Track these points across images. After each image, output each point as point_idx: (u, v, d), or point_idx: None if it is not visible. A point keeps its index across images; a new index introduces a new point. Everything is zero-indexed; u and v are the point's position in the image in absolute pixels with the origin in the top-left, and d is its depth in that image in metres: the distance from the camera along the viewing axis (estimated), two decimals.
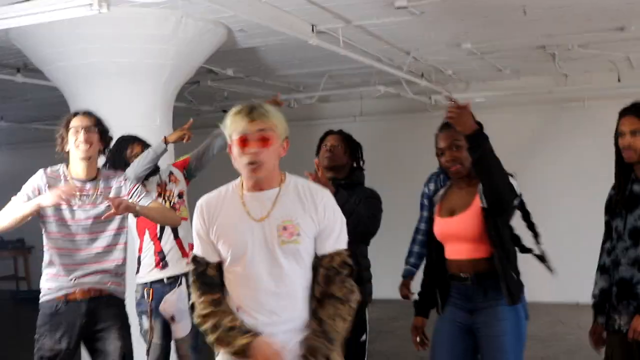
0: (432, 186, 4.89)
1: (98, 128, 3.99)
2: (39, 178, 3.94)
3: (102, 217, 3.84)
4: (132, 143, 4.90)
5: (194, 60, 6.21)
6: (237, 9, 5.03)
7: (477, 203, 3.43)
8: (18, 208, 3.82)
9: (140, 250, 4.91)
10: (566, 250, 9.28)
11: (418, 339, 3.81)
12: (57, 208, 3.87)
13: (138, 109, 5.83)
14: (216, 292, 2.55)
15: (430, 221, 3.83)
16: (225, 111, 9.19)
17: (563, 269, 9.71)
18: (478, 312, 3.52)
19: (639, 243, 3.40)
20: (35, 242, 12.42)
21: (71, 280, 3.90)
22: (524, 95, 9.49)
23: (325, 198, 2.61)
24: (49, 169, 4.00)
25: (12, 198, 3.89)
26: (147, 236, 4.88)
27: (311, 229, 2.54)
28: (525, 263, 3.70)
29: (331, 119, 10.61)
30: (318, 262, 2.57)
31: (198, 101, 9.56)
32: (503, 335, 3.48)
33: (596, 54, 7.79)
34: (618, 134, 3.48)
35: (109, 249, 4.03)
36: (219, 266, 2.58)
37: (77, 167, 3.97)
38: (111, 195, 3.96)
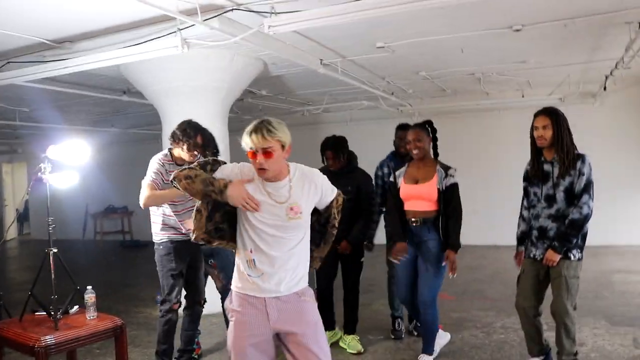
0: (385, 169, 4.87)
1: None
2: (157, 162, 3.85)
3: None
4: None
5: (241, 84, 6.23)
6: (271, 49, 5.08)
7: (435, 181, 3.85)
8: (164, 193, 3.74)
9: None
10: (490, 208, 9.42)
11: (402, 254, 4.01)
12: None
13: (205, 117, 5.75)
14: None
15: (389, 189, 4.16)
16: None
17: (486, 220, 9.77)
18: (422, 243, 3.92)
19: (552, 205, 3.55)
20: (135, 208, 12.63)
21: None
22: (460, 106, 9.51)
23: (319, 176, 2.55)
24: (161, 155, 3.93)
25: (143, 182, 3.78)
26: None
27: (313, 203, 2.52)
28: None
29: (331, 123, 10.69)
30: (329, 206, 2.58)
31: (242, 112, 9.58)
32: (433, 255, 3.88)
33: (508, 78, 7.83)
34: (533, 128, 3.60)
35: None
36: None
37: (182, 155, 3.90)
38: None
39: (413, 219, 3.92)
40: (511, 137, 8.49)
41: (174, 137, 3.89)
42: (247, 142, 2.36)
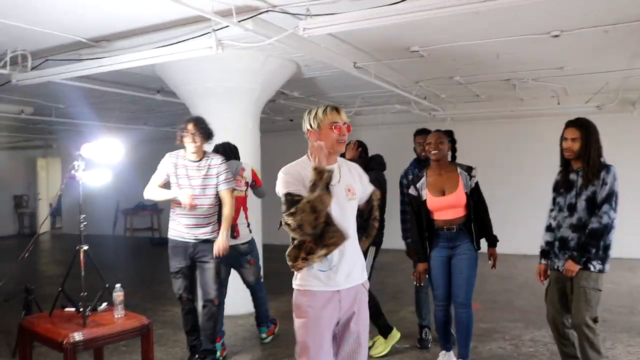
0: (410, 176, 4.67)
1: (201, 130, 4.08)
2: (166, 159, 4.17)
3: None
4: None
5: (274, 86, 6.23)
6: (304, 51, 5.07)
7: (461, 188, 3.87)
8: (162, 192, 4.18)
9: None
10: (521, 217, 9.24)
11: (423, 277, 4.08)
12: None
13: (237, 118, 5.88)
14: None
15: (411, 203, 4.09)
16: (291, 120, 9.22)
17: (517, 229, 9.57)
18: (456, 247, 3.91)
19: (573, 214, 3.48)
20: (164, 205, 12.76)
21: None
22: (493, 113, 9.37)
23: (360, 169, 2.78)
24: (173, 152, 4.21)
25: (152, 176, 4.17)
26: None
27: (359, 191, 2.67)
28: None
29: (362, 126, 10.63)
30: (370, 199, 2.79)
31: (274, 113, 9.61)
32: (468, 258, 3.89)
33: (543, 85, 7.67)
34: (563, 138, 3.55)
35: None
36: None
37: (190, 151, 4.13)
38: (209, 170, 4.13)
39: (447, 227, 3.90)
40: (545, 144, 8.24)
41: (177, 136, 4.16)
42: (329, 117, 2.54)
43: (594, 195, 3.39)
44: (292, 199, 2.41)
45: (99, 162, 3.52)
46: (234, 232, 4.59)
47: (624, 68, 6.63)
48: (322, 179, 2.39)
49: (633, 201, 8.33)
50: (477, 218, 3.90)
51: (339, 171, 2.59)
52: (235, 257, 4.67)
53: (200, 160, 4.15)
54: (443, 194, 3.89)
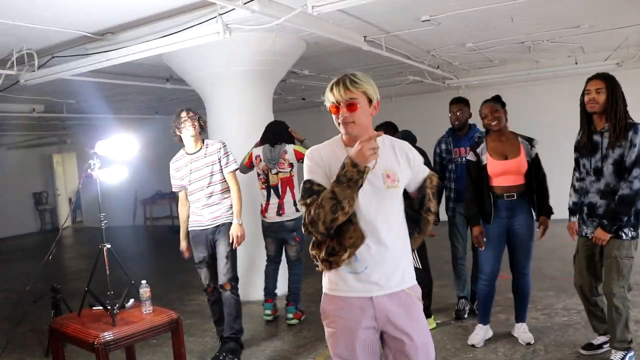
0: (443, 146, 4.80)
1: (195, 117, 4.13)
2: (171, 168, 4.29)
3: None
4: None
5: (284, 66, 6.12)
6: (313, 29, 4.94)
7: (523, 154, 3.83)
8: (182, 225, 4.40)
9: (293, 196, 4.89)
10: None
11: (481, 239, 3.96)
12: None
13: (249, 101, 5.80)
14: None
15: (469, 168, 4.02)
16: (303, 99, 9.15)
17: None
18: (515, 217, 3.86)
19: (600, 179, 3.35)
20: None
21: None
22: (508, 77, 9.16)
23: (411, 148, 2.25)
24: (173, 158, 4.32)
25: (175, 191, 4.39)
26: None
27: (406, 176, 2.19)
28: None
29: None
30: (422, 186, 2.24)
31: (285, 93, 9.52)
32: (528, 228, 3.90)
33: (559, 45, 7.46)
34: (584, 93, 3.36)
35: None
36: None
37: (188, 143, 4.20)
38: (210, 157, 4.16)
39: (507, 194, 3.83)
40: (564, 106, 8.10)
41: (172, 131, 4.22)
42: (328, 97, 2.12)
43: (621, 158, 3.23)
44: (310, 187, 2.09)
45: (114, 158, 3.47)
46: (279, 210, 4.83)
47: None
48: (354, 177, 1.97)
49: None
50: (538, 187, 3.87)
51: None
52: (282, 233, 4.92)
53: (200, 149, 4.18)
54: (506, 158, 3.83)
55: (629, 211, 3.22)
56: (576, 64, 8.39)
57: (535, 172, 3.86)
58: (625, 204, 3.20)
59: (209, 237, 4.18)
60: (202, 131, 4.21)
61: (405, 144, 2.26)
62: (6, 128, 10.88)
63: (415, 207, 2.27)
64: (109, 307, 3.34)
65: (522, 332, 4.09)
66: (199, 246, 4.23)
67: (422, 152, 4.46)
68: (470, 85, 9.57)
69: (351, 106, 2.07)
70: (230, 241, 4.13)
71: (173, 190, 4.36)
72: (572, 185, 3.64)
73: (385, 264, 2.11)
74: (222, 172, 4.17)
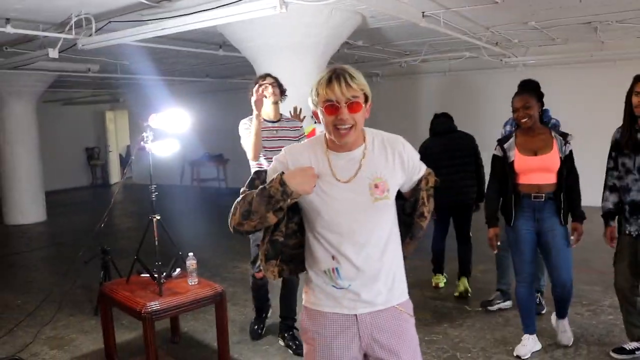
0: (508, 127, 4.55)
1: (279, 84, 3.88)
2: (244, 124, 3.74)
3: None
4: None
5: (339, 38, 6.03)
6: (370, 3, 4.86)
7: (556, 150, 3.47)
8: (251, 133, 3.60)
9: None
10: (599, 167, 8.83)
11: (495, 242, 3.77)
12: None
13: (301, 72, 5.71)
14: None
15: (495, 164, 3.72)
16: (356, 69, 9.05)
17: (594, 180, 9.20)
18: (543, 220, 3.53)
19: None
20: (230, 156, 12.99)
21: None
22: (571, 57, 8.81)
23: (405, 145, 1.93)
24: (246, 119, 3.76)
25: (242, 142, 3.72)
26: None
27: (399, 181, 1.92)
28: None
29: (429, 74, 10.33)
30: (417, 188, 1.97)
31: (337, 62, 9.41)
32: (561, 234, 3.56)
33: (629, 26, 7.10)
34: (632, 93, 3.25)
35: None
36: None
37: (268, 110, 3.79)
38: (290, 132, 3.87)
39: (536, 194, 3.49)
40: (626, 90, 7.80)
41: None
42: (322, 94, 1.78)
43: None
44: (253, 181, 1.93)
45: (167, 132, 3.54)
46: None
47: None
48: (276, 197, 1.78)
49: None
50: (568, 188, 3.51)
51: (360, 160, 1.87)
52: None
53: (278, 121, 3.89)
54: (535, 154, 3.50)
55: None
56: None
57: (567, 172, 3.50)
58: None
59: None
60: (283, 99, 3.93)
61: (399, 140, 1.95)
62: (62, 84, 11.18)
63: (407, 210, 2.01)
64: (156, 277, 3.46)
65: (561, 330, 3.89)
66: None
67: (467, 136, 4.47)
68: (528, 64, 9.25)
69: (354, 106, 1.79)
70: None
71: (244, 139, 3.70)
72: (608, 187, 3.50)
73: (372, 280, 1.88)
74: None
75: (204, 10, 4.66)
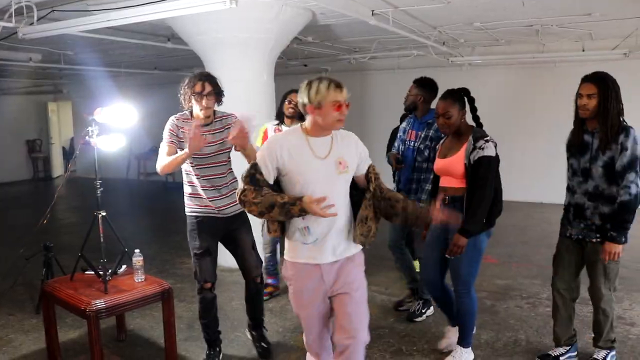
0: (404, 124, 4.42)
1: (216, 90, 3.38)
2: (170, 121, 3.41)
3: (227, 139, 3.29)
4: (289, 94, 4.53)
5: (289, 34, 6.01)
6: (320, 0, 4.87)
7: (462, 154, 3.31)
8: (173, 158, 3.28)
9: None
10: (538, 164, 9.15)
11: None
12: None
13: (251, 69, 5.70)
14: (260, 189, 2.45)
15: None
16: (305, 65, 9.03)
17: (534, 176, 9.63)
18: (449, 225, 3.24)
19: (587, 180, 3.24)
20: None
21: None
22: (513, 58, 9.09)
23: (358, 139, 2.66)
24: (178, 115, 3.46)
25: (161, 144, 3.38)
26: None
27: (354, 162, 2.59)
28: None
29: (377, 71, 10.44)
30: (367, 172, 2.64)
31: (287, 57, 9.41)
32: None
33: (568, 30, 7.38)
34: (578, 95, 3.23)
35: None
36: (268, 182, 2.48)
37: (197, 112, 3.41)
38: (224, 132, 3.41)
39: (444, 196, 3.38)
40: (567, 92, 8.05)
41: (181, 94, 3.43)
42: (332, 96, 2.42)
43: (611, 161, 3.11)
44: (254, 175, 2.47)
45: (113, 126, 3.45)
46: None
47: None
48: (294, 215, 2.44)
49: None
50: (469, 196, 3.28)
51: (330, 143, 2.53)
52: None
53: (212, 122, 3.47)
54: (445, 157, 3.46)
55: (633, 216, 3.12)
56: (583, 51, 8.33)
57: (472, 179, 3.26)
58: (627, 211, 3.09)
59: (219, 224, 3.51)
60: (219, 103, 3.51)
61: (353, 135, 2.65)
62: (2, 74, 10.72)
63: (357, 189, 2.66)
64: (101, 274, 3.38)
65: (456, 357, 3.61)
66: (204, 233, 3.51)
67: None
68: (473, 63, 9.49)
69: (348, 106, 2.48)
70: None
71: (163, 145, 3.39)
72: (567, 188, 3.48)
73: (335, 235, 2.55)
74: (229, 152, 3.52)
75: (153, 2, 4.56)
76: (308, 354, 2.83)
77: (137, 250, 3.50)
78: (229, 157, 3.54)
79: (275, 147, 2.48)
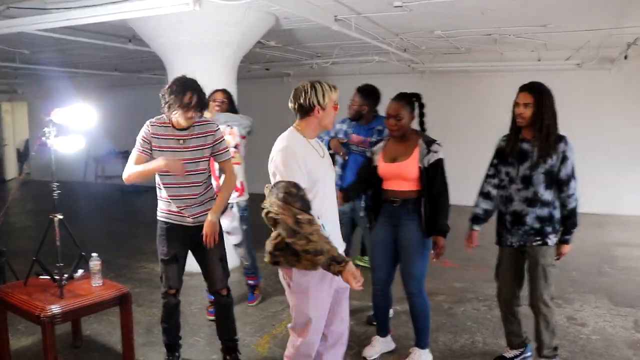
0: (338, 126, 4.46)
1: (200, 102, 3.21)
2: (145, 126, 3.29)
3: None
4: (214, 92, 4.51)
5: (252, 38, 6.01)
6: (283, 5, 4.90)
7: (415, 158, 3.43)
8: (143, 167, 3.20)
9: None
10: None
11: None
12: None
13: (214, 73, 5.63)
14: (310, 212, 2.47)
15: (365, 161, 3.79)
16: (267, 69, 9.03)
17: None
18: (399, 227, 3.51)
19: (528, 187, 3.29)
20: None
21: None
22: (472, 66, 9.29)
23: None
24: (154, 119, 3.32)
25: (133, 150, 3.27)
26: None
27: None
28: None
29: (339, 76, 10.49)
30: None
31: (249, 61, 9.38)
32: (413, 243, 3.47)
33: (525, 40, 7.60)
34: (515, 104, 3.31)
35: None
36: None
37: (179, 122, 3.24)
38: (203, 139, 3.30)
39: (393, 199, 3.50)
40: None
41: (164, 100, 3.20)
42: (334, 98, 2.65)
43: (552, 169, 3.22)
44: (303, 196, 2.46)
45: (72, 128, 3.37)
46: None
47: (607, 27, 6.58)
48: (331, 271, 2.49)
49: (605, 157, 8.49)
50: (432, 199, 3.40)
51: (320, 143, 2.79)
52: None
53: (189, 127, 3.31)
54: (394, 161, 3.51)
55: (577, 220, 3.32)
56: (539, 60, 8.57)
57: (431, 182, 3.39)
58: (576, 215, 3.30)
59: (189, 231, 3.40)
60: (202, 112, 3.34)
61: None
62: None
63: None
64: (57, 279, 3.30)
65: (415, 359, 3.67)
66: (173, 240, 3.42)
67: None
68: (434, 70, 9.66)
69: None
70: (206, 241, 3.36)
71: (135, 152, 3.29)
72: (483, 193, 3.52)
73: (339, 241, 2.75)
74: (207, 161, 3.40)
75: (114, 2, 4.49)
76: None
77: (94, 254, 3.43)
78: (207, 166, 3.41)
79: (298, 156, 2.52)
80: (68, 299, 3.18)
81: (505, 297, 3.56)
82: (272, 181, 2.55)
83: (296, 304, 2.70)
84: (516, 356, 3.67)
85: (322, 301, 2.70)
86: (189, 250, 3.53)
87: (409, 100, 3.54)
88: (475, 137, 9.60)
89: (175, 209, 3.36)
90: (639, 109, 8.69)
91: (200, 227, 3.34)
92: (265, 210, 2.51)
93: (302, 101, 2.60)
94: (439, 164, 3.40)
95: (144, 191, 11.32)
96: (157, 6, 4.20)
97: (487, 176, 3.53)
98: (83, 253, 3.45)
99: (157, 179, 3.36)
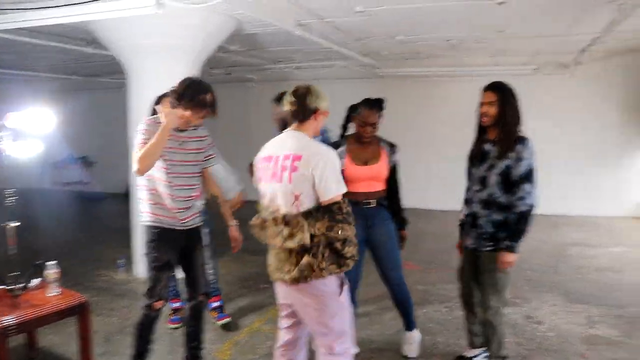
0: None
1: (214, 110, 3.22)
2: (145, 125, 3.16)
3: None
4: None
5: (215, 42, 5.94)
6: (246, 9, 4.90)
7: (385, 159, 3.70)
8: (149, 143, 3.02)
9: None
10: (454, 173, 9.50)
11: None
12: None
13: (175, 77, 5.52)
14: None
15: None
16: (229, 74, 8.96)
17: (451, 186, 9.84)
18: (374, 226, 3.69)
19: (484, 188, 3.29)
20: (97, 158, 12.28)
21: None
22: (433, 71, 9.43)
23: None
24: (151, 118, 3.24)
25: (134, 145, 3.12)
26: None
27: None
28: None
29: (300, 81, 10.43)
30: None
31: (210, 66, 9.30)
32: (391, 236, 3.75)
33: (483, 46, 7.76)
34: (480, 104, 3.32)
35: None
36: None
37: (189, 119, 3.17)
38: (200, 142, 3.32)
39: (367, 201, 3.63)
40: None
41: (175, 98, 3.16)
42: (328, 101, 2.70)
43: (508, 170, 3.16)
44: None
45: (28, 132, 3.27)
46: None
47: (561, 34, 6.77)
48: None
49: (560, 159, 8.72)
50: (394, 196, 3.79)
51: None
52: None
53: (187, 130, 3.27)
54: (365, 164, 3.64)
55: (528, 226, 3.18)
56: (497, 65, 8.76)
57: (393, 180, 3.77)
58: (525, 222, 3.16)
59: (180, 237, 3.32)
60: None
61: None
62: None
63: None
64: (11, 288, 3.19)
65: (408, 342, 3.95)
66: (170, 245, 3.32)
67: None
68: (396, 75, 9.76)
69: None
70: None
71: (142, 142, 3.10)
72: (464, 199, 3.52)
73: None
74: (200, 164, 3.39)
75: (73, 4, 4.38)
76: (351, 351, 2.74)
77: (50, 262, 3.34)
78: (201, 172, 3.39)
79: (333, 160, 2.60)
80: (23, 308, 3.08)
81: (466, 297, 3.58)
82: (292, 186, 2.51)
83: (337, 312, 2.62)
84: (475, 356, 3.70)
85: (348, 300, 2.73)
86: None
87: (381, 106, 3.71)
88: (437, 142, 9.75)
89: (166, 213, 3.24)
90: (593, 112, 8.99)
91: (188, 232, 3.31)
92: (306, 237, 2.49)
93: (308, 102, 2.59)
94: (397, 165, 3.78)
95: (102, 198, 11.11)
96: (119, 9, 4.11)
97: (467, 182, 3.52)
98: (39, 261, 3.35)
99: (146, 182, 3.22)
